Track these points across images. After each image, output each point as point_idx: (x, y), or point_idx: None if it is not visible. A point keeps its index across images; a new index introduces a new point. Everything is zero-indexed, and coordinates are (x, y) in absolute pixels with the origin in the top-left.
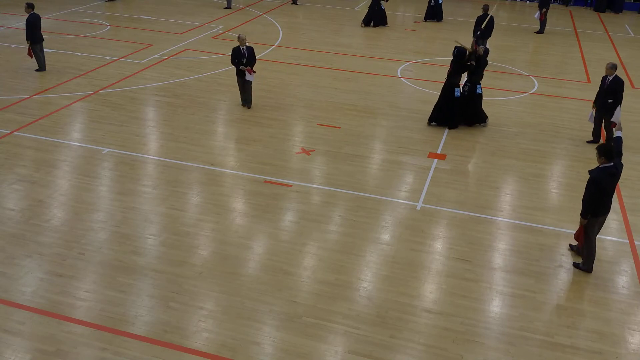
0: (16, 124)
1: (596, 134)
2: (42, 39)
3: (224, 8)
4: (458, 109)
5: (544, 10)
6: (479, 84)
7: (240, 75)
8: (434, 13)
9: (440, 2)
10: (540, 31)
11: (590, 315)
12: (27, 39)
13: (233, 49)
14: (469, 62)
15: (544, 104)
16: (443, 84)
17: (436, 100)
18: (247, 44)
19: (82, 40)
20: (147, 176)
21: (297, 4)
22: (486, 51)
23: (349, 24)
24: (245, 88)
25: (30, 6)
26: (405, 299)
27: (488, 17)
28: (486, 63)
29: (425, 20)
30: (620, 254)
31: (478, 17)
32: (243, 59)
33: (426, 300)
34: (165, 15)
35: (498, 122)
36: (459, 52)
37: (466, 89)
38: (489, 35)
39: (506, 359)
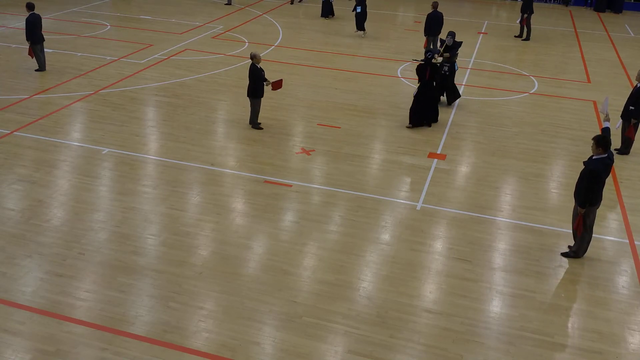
0: (16, 124)
1: (623, 141)
2: (43, 39)
3: (225, 4)
4: (436, 105)
5: (525, 15)
6: (455, 61)
7: (261, 94)
8: (328, 10)
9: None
10: (526, 38)
11: (590, 315)
12: (27, 39)
13: (252, 70)
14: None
15: (544, 104)
16: (416, 91)
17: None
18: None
19: (82, 40)
20: (147, 176)
21: (292, 4)
22: (452, 34)
23: (349, 24)
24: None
25: (29, 6)
26: (405, 299)
27: (432, 13)
28: (459, 45)
29: (325, 17)
30: (620, 254)
31: (429, 14)
32: (263, 75)
33: (426, 300)
34: (165, 15)
35: (498, 122)
36: (433, 54)
37: (446, 69)
38: (439, 31)
39: (506, 359)
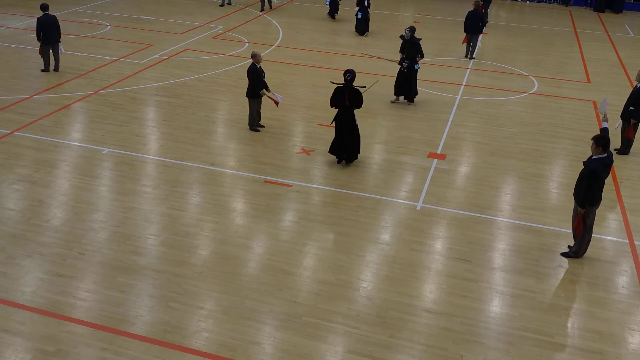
0: (16, 124)
1: (623, 141)
2: (53, 41)
3: (219, 6)
4: (357, 140)
5: (480, 3)
6: (417, 62)
7: (259, 96)
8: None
9: (327, 3)
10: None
11: (590, 315)
12: (37, 39)
13: (251, 69)
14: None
15: (544, 104)
16: (335, 119)
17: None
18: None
19: (82, 40)
20: (147, 176)
21: (264, 10)
22: (411, 29)
23: (349, 24)
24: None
25: (42, 7)
26: (405, 299)
27: (472, 11)
28: (418, 41)
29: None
30: (620, 254)
31: (469, 12)
32: (263, 77)
33: (426, 300)
34: (165, 15)
35: (498, 122)
36: (353, 75)
37: (405, 65)
38: (481, 30)
39: (506, 359)
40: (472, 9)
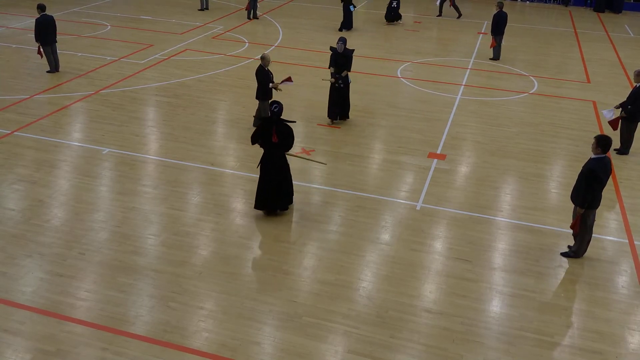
0: (16, 124)
1: (622, 141)
2: (54, 41)
3: (198, 10)
4: (288, 183)
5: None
6: (347, 74)
7: (267, 97)
8: (392, 15)
9: (396, 6)
10: (440, 15)
11: (590, 315)
12: (35, 40)
13: (260, 70)
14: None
15: (544, 104)
16: (262, 161)
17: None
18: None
19: (82, 40)
20: (147, 176)
21: (257, 18)
22: (343, 40)
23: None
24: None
25: (40, 7)
26: (405, 299)
27: (498, 13)
28: (351, 53)
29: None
30: (620, 254)
31: (495, 14)
32: (272, 78)
33: (426, 300)
34: (165, 15)
35: (498, 122)
36: (281, 108)
37: (341, 83)
38: (502, 31)
39: (506, 359)
40: (496, 10)
